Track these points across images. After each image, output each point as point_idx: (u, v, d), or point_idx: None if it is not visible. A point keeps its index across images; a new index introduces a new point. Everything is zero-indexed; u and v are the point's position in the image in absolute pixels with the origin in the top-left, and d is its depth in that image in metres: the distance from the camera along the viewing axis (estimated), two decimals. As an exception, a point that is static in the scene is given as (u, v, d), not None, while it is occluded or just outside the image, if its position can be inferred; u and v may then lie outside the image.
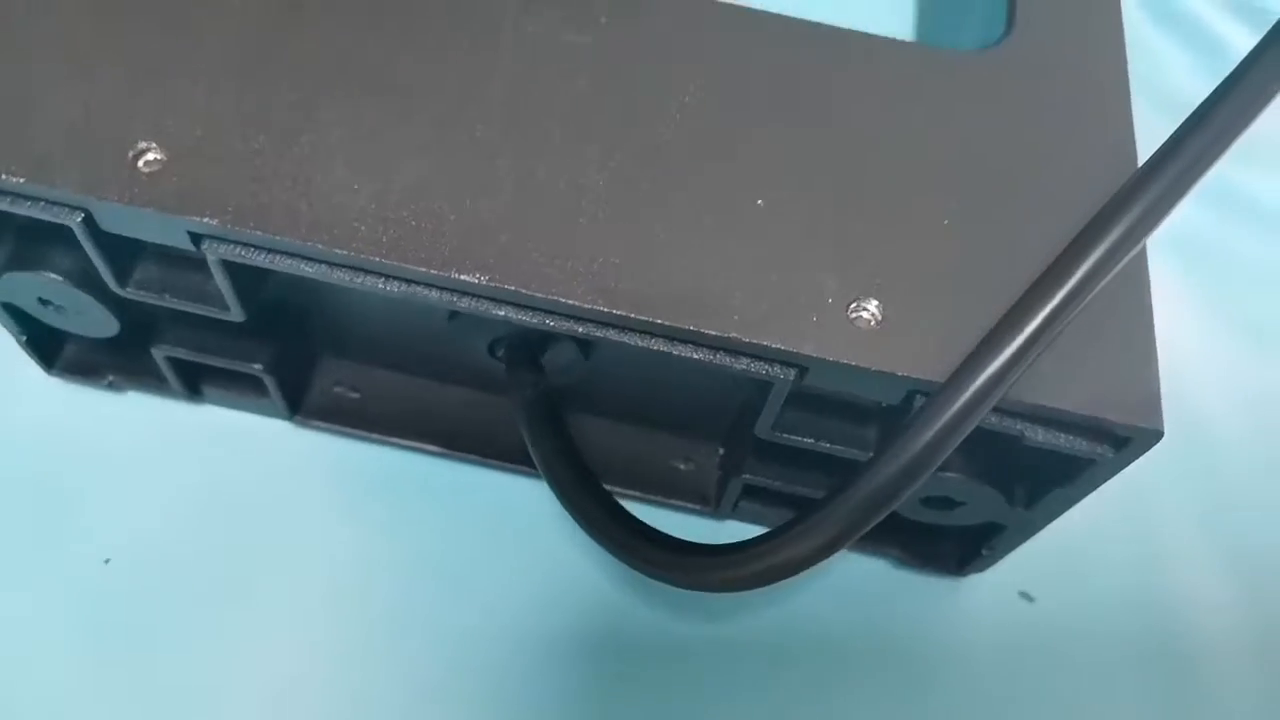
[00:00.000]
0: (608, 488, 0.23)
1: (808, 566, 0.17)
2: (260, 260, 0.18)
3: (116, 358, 0.23)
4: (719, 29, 0.21)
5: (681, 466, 0.24)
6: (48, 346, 0.23)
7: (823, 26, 0.21)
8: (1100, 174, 0.19)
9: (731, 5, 0.21)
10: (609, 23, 0.21)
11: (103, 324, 0.21)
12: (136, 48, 0.19)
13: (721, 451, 0.24)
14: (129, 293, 0.20)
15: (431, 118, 0.19)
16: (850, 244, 0.18)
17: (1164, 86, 0.34)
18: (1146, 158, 0.18)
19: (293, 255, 0.18)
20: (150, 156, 0.18)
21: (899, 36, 0.22)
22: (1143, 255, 0.19)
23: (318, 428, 0.24)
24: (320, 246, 0.17)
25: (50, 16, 0.19)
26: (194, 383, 0.24)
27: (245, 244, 0.18)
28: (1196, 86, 0.34)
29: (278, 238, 0.17)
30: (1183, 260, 0.30)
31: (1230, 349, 0.29)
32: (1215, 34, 0.36)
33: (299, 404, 0.24)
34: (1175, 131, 0.18)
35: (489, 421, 0.24)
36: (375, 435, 0.24)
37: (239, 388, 0.23)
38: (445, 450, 0.24)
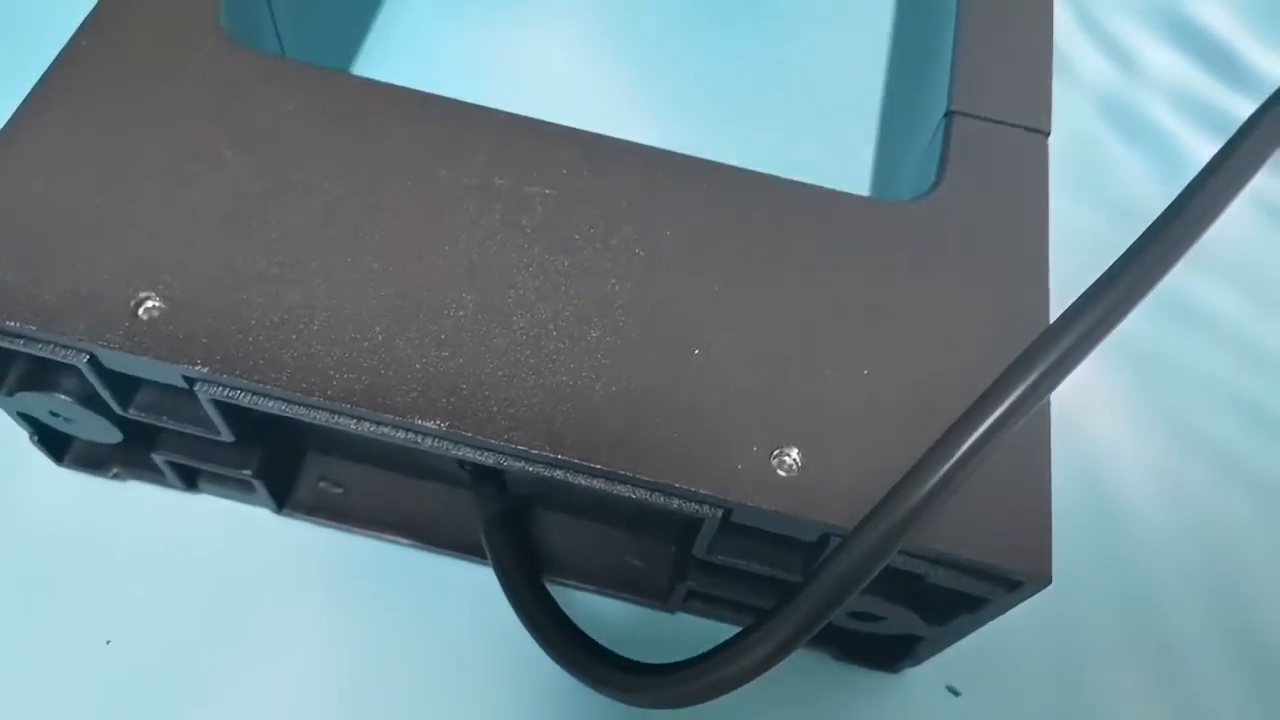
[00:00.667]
0: (566, 580, 0.26)
1: (738, 686, 0.19)
2: (246, 401, 0.20)
3: (120, 454, 0.26)
4: (671, 180, 0.23)
5: (636, 564, 0.26)
6: (57, 443, 0.25)
7: (761, 176, 0.23)
8: (1012, 329, 0.21)
9: (683, 156, 0.23)
10: (569, 173, 0.23)
11: (107, 433, 0.23)
12: (140, 207, 0.21)
13: (674, 550, 0.26)
14: (131, 414, 0.22)
15: (401, 275, 0.21)
16: (778, 393, 0.20)
17: (1123, 197, 0.35)
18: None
19: (275, 398, 0.20)
20: (150, 304, 0.20)
21: (858, 185, 0.23)
22: (1045, 406, 0.21)
23: (304, 520, 0.26)
24: (298, 394, 0.19)
25: (62, 182, 0.21)
26: (191, 478, 0.26)
27: (233, 387, 0.20)
28: (1155, 196, 0.35)
29: (261, 385, 0.19)
30: (1117, 361, 0.32)
31: (1158, 449, 0.30)
32: (1177, 143, 0.37)
33: (286, 499, 0.26)
34: (1078, 299, 0.20)
35: (463, 518, 0.26)
36: (357, 529, 0.26)
37: (231, 484, 0.26)
38: (422, 545, 0.26)
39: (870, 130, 0.35)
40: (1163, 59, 0.39)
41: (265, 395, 0.20)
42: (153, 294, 0.20)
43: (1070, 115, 0.37)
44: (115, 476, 0.26)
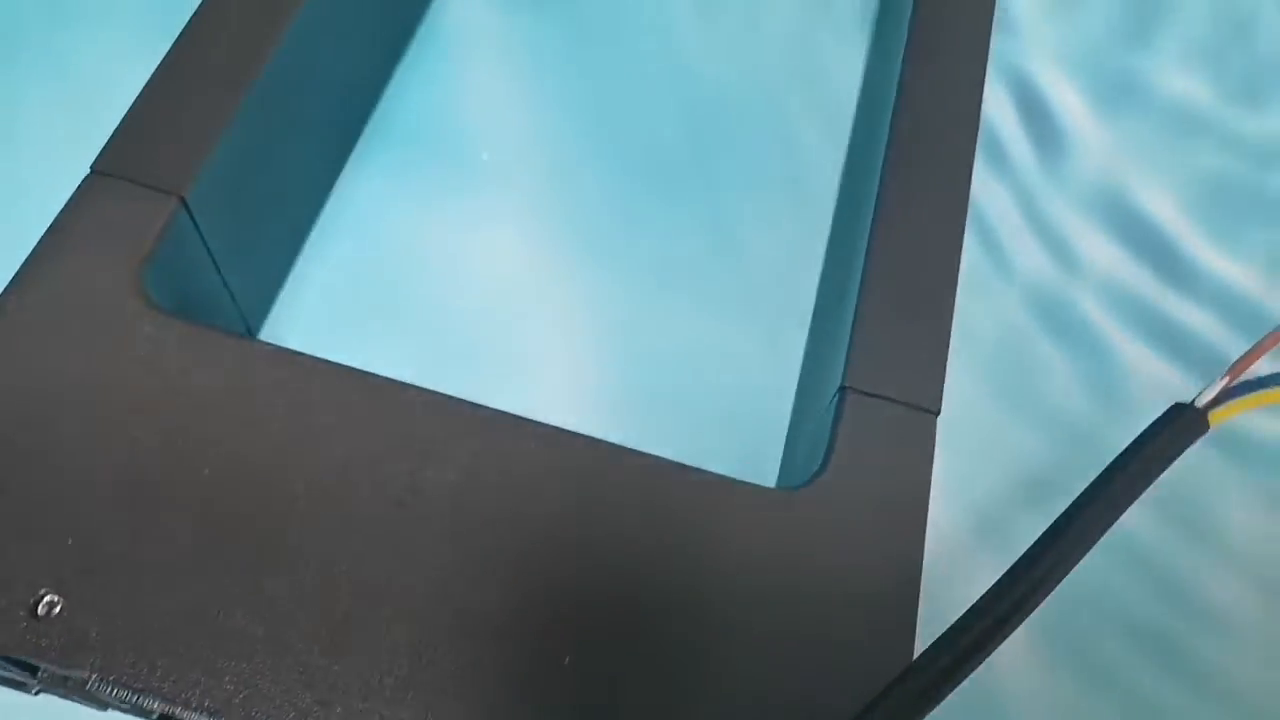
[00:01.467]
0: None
1: None
2: (136, 700, 0.21)
3: (43, 682, 0.27)
4: (564, 467, 0.24)
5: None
6: (-20, 669, 0.27)
7: (646, 460, 0.24)
8: (876, 638, 0.22)
9: (580, 437, 0.24)
10: (472, 461, 0.24)
11: (26, 687, 0.25)
12: (45, 491, 0.22)
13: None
14: (38, 687, 0.23)
15: (290, 565, 0.22)
16: (650, 702, 0.21)
17: (1047, 399, 0.36)
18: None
19: (157, 700, 0.21)
20: (49, 599, 0.21)
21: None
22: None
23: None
24: (179, 703, 0.20)
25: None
26: (104, 704, 0.27)
27: (118, 688, 0.21)
28: (1079, 399, 0.36)
29: (144, 690, 0.21)
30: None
31: (1064, 690, 0.31)
32: (1107, 344, 0.37)
33: (195, 726, 0.27)
34: (940, 638, 0.21)
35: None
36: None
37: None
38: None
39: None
40: (1101, 251, 0.40)
41: (148, 697, 0.21)
42: (52, 591, 0.21)
43: (1001, 311, 0.38)
44: (37, 693, 0.27)
